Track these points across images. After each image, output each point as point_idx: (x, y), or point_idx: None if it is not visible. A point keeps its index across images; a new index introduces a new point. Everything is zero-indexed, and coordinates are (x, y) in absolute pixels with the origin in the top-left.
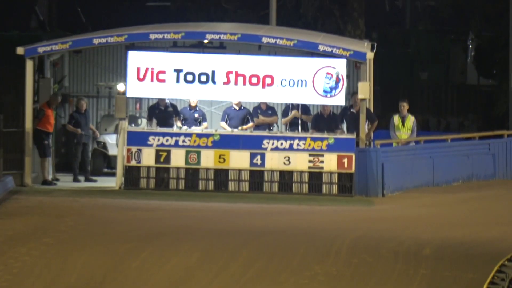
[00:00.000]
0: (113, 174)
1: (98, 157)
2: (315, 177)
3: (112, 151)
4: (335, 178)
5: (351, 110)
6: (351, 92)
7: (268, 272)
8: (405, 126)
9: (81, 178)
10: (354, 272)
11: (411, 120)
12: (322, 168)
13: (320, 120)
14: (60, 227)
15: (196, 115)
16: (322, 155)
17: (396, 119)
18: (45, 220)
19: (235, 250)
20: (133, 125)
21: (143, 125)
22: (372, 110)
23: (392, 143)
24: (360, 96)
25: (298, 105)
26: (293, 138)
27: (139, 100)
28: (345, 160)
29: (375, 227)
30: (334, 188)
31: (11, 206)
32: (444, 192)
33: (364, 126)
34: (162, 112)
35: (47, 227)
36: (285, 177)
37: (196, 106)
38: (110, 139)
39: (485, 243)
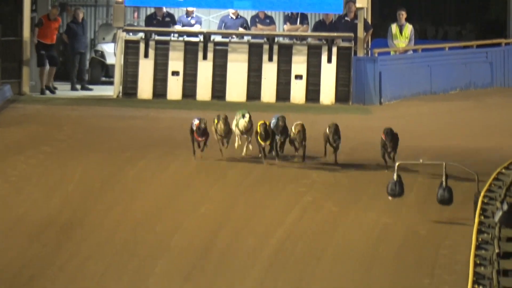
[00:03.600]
0: (111, 83)
1: (96, 66)
2: (313, 86)
3: (109, 60)
4: (332, 87)
5: (345, 18)
6: (346, 0)
7: (266, 180)
8: (403, 35)
9: (78, 87)
10: (352, 181)
11: (409, 28)
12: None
13: (321, 28)
14: (58, 136)
15: (193, 21)
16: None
17: (394, 28)
18: (42, 129)
19: (233, 158)
20: (131, 34)
21: (141, 34)
22: (370, 19)
23: (390, 51)
24: (358, 5)
25: (297, 14)
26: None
27: (137, 9)
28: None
29: (373, 135)
30: (332, 97)
31: (8, 115)
32: (442, 100)
33: (362, 35)
34: (160, 22)
35: (45, 136)
36: (283, 85)
37: (193, 12)
38: (108, 48)
39: (483, 151)
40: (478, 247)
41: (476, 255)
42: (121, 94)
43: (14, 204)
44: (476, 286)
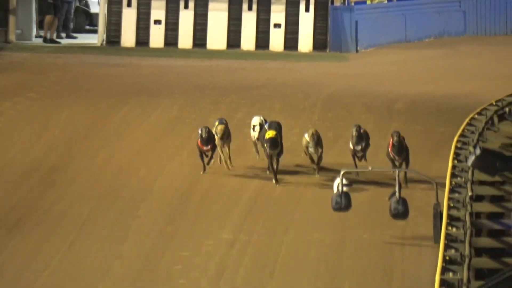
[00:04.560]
0: (95, 32)
1: (80, 15)
2: (291, 34)
3: (94, 9)
4: (310, 35)
5: None
6: None
7: (246, 122)
8: None
9: (63, 35)
10: (330, 125)
11: None
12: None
13: None
14: (44, 83)
15: None
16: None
17: None
18: (29, 76)
19: (214, 104)
20: None
21: None
22: None
23: (366, 1)
24: None
25: None
26: None
27: None
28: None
29: (349, 82)
30: (310, 45)
31: None
32: (416, 48)
33: None
34: None
35: (31, 83)
36: (262, 34)
37: None
38: None
39: (457, 97)
40: (451, 191)
41: (450, 198)
42: (104, 42)
43: (1, 149)
44: (450, 227)
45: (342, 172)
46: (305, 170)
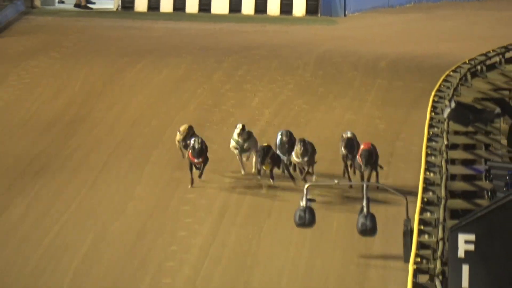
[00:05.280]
0: None
1: None
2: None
3: None
4: (303, 1)
5: None
6: None
7: (247, 81)
8: None
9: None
10: (321, 82)
11: None
12: None
13: None
14: (65, 43)
15: None
16: None
17: None
18: (52, 37)
19: (218, 63)
20: None
21: None
22: None
23: None
24: None
25: None
26: None
27: None
28: None
29: (338, 43)
30: (303, 9)
31: (22, 26)
32: (398, 13)
33: None
34: None
35: (54, 43)
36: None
37: None
38: None
39: (434, 57)
40: (429, 139)
41: (427, 146)
42: (120, 7)
43: (27, 102)
44: (428, 172)
45: (306, 186)
46: (298, 122)
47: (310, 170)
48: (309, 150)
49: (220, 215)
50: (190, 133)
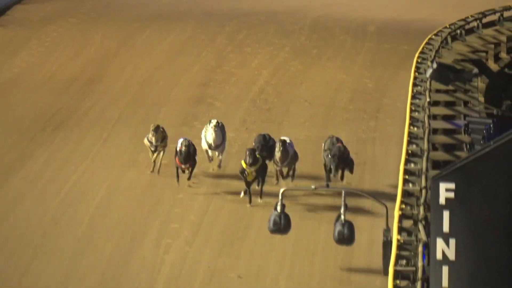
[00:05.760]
0: None
1: None
2: None
3: None
4: None
5: None
6: None
7: (247, 43)
8: None
9: None
10: (314, 45)
11: None
12: None
13: None
14: (82, 10)
15: None
16: None
17: None
18: (69, 4)
19: (220, 27)
20: None
21: None
22: None
23: None
24: None
25: None
26: None
27: None
28: None
29: (331, 9)
30: None
31: None
32: None
33: None
34: None
35: (71, 10)
36: None
37: None
38: None
39: (418, 21)
40: (413, 97)
41: (411, 103)
42: None
43: (47, 64)
44: (412, 127)
45: (281, 191)
46: (293, 81)
47: (291, 173)
48: (290, 153)
49: (221, 168)
50: (161, 134)
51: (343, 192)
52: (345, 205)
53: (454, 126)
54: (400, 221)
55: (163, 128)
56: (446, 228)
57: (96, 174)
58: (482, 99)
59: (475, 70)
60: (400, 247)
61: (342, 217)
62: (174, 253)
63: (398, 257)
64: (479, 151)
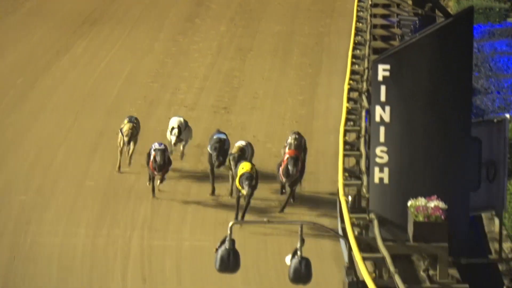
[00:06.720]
0: None
1: None
2: None
3: None
4: None
5: None
6: None
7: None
8: None
9: None
10: None
11: None
12: None
13: None
14: None
15: None
16: None
17: None
18: None
19: None
20: None
21: None
22: None
23: None
24: None
25: None
26: None
27: None
28: None
29: None
30: None
31: None
32: None
33: None
34: None
35: None
36: None
37: None
38: None
39: None
40: (359, 0)
41: (358, 5)
42: None
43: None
44: (358, 23)
45: (230, 225)
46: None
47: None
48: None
49: (217, 50)
50: (134, 133)
51: (300, 226)
52: (302, 240)
53: (389, 22)
54: (348, 93)
55: (136, 119)
56: (383, 98)
57: (122, 58)
58: (410, 2)
59: None
60: (348, 112)
61: (299, 253)
62: None
63: (347, 120)
64: (408, 40)
